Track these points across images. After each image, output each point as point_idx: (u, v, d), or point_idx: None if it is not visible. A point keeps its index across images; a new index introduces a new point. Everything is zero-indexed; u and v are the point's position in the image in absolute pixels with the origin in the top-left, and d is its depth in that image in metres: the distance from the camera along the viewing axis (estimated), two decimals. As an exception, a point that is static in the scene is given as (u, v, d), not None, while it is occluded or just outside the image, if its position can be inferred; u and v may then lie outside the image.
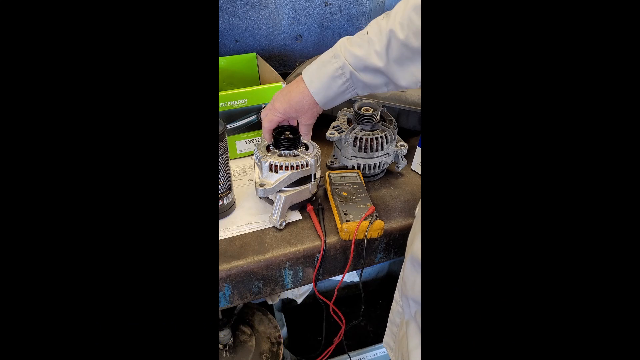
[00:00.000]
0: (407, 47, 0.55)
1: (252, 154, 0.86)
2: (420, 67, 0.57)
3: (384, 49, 0.56)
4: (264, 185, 0.65)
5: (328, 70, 0.59)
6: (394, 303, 0.65)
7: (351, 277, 1.33)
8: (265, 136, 0.68)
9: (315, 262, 0.65)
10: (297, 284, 0.67)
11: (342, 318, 0.67)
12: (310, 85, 0.61)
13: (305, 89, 0.61)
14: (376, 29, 0.57)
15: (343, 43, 0.59)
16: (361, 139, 0.74)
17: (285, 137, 0.68)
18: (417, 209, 0.59)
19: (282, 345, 0.99)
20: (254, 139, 0.85)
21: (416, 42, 0.54)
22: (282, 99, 0.64)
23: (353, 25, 1.22)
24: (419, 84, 0.59)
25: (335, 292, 0.67)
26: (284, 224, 0.67)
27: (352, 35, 0.59)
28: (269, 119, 0.65)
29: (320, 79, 0.60)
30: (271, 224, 0.67)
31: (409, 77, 0.58)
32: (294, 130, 0.69)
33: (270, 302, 1.12)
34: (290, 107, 0.63)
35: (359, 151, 0.75)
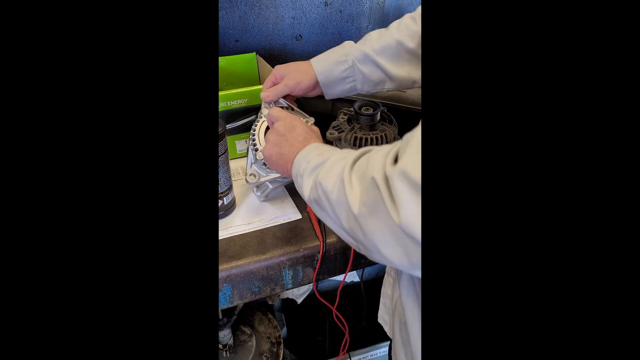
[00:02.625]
0: (403, 46, 0.65)
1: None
2: (416, 68, 0.66)
3: (381, 45, 0.66)
4: (255, 177, 0.68)
5: (333, 55, 0.68)
6: (385, 275, 0.65)
7: (351, 276, 1.33)
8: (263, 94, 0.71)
9: (315, 262, 0.65)
10: (297, 284, 0.67)
11: (346, 325, 0.67)
12: (316, 65, 0.68)
13: (310, 66, 0.68)
14: (376, 32, 0.68)
15: (349, 42, 0.69)
16: (361, 138, 0.74)
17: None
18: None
19: (282, 345, 0.99)
20: (254, 138, 0.85)
21: (411, 43, 0.64)
22: (283, 64, 0.71)
23: (353, 25, 1.22)
24: (416, 84, 0.68)
25: (338, 296, 0.66)
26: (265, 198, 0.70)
27: (351, 32, 0.69)
28: (264, 83, 0.71)
29: (326, 61, 0.68)
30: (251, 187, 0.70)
31: (405, 75, 0.66)
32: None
33: (270, 302, 1.12)
34: (286, 66, 0.70)
35: (359, 151, 0.75)
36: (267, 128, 0.67)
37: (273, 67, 0.93)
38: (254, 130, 0.68)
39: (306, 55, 1.21)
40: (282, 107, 0.69)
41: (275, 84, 0.69)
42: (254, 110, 0.82)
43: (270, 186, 0.68)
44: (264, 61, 1.00)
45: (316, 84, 0.68)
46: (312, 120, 0.69)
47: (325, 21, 1.20)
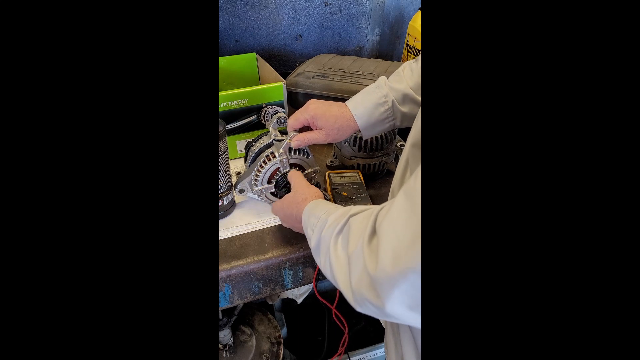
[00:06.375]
0: None
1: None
2: None
3: (416, 81, 0.64)
4: (244, 191, 0.68)
5: (372, 98, 0.64)
6: None
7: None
8: (289, 123, 0.67)
9: (315, 262, 0.65)
10: (297, 284, 0.67)
11: (345, 324, 0.67)
12: (354, 110, 0.64)
13: (347, 112, 0.64)
14: (408, 69, 0.66)
15: (383, 79, 0.66)
16: (361, 138, 0.74)
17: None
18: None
19: (282, 345, 0.99)
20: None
21: None
22: (319, 105, 0.65)
23: (353, 25, 1.22)
24: None
25: (337, 296, 0.66)
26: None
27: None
28: (296, 117, 0.65)
29: (364, 105, 0.64)
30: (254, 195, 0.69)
31: None
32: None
33: (270, 302, 1.12)
34: (323, 115, 0.63)
35: (359, 151, 0.75)
36: (276, 169, 0.66)
37: (273, 67, 0.94)
38: (262, 167, 0.66)
39: (306, 55, 1.22)
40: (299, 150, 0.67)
41: (304, 124, 0.65)
42: (254, 110, 0.82)
43: (264, 190, 0.68)
44: (264, 61, 1.00)
45: (355, 128, 0.65)
46: (317, 168, 0.69)
47: (325, 21, 1.20)
